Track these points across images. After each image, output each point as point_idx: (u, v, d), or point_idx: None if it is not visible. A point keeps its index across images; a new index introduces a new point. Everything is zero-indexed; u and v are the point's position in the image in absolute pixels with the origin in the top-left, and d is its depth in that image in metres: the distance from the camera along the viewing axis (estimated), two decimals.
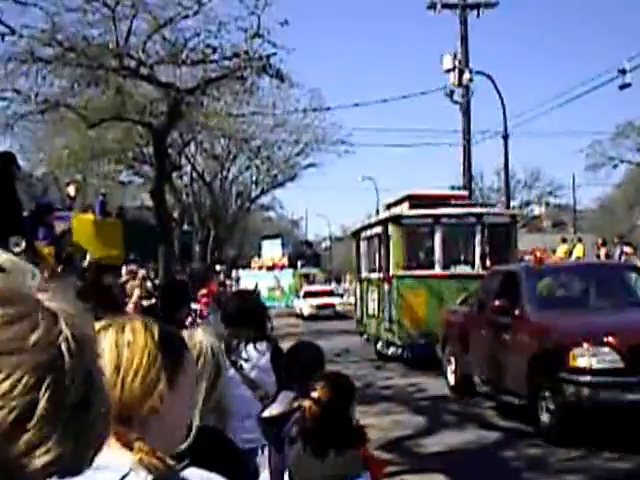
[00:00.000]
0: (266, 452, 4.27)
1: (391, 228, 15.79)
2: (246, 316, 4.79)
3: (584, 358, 8.64)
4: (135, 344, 1.57)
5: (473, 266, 15.67)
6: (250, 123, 35.05)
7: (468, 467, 8.14)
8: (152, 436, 1.53)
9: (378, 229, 16.94)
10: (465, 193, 20.88)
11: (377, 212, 32.54)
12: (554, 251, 27.10)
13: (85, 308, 1.02)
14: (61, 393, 0.91)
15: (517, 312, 10.21)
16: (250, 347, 4.64)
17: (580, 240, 28.94)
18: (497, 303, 10.54)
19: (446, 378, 12.83)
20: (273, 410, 4.17)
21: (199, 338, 2.57)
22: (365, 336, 18.96)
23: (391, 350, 16.02)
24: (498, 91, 23.92)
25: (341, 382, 3.70)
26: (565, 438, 8.80)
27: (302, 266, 46.30)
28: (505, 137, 23.94)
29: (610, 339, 8.67)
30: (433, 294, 15.10)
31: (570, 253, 24.58)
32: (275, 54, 21.13)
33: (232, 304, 5.18)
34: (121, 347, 1.56)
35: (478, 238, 15.63)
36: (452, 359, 12.58)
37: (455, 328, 12.63)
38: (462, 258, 16.11)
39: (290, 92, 31.89)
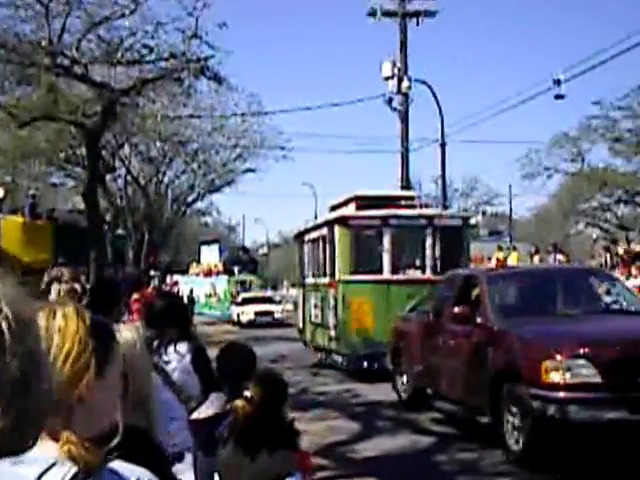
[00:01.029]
0: (189, 456, 4.18)
1: (337, 230, 14.64)
2: (168, 317, 4.65)
3: (557, 372, 7.63)
4: (66, 330, 1.53)
5: (424, 270, 14.62)
6: (187, 126, 33.90)
7: (402, 472, 7.92)
8: (77, 425, 1.50)
9: (323, 231, 15.73)
10: (414, 194, 19.92)
11: (315, 218, 31.62)
12: (490, 259, 26.88)
13: (27, 292, 1.04)
14: (0, 370, 0.96)
15: (479, 320, 9.18)
16: (171, 349, 4.49)
17: (515, 248, 28.85)
18: (457, 310, 9.49)
19: (397, 391, 11.75)
20: (203, 412, 4.18)
21: (126, 333, 2.44)
22: (308, 345, 17.75)
23: (336, 360, 14.88)
24: (436, 99, 24.23)
25: (274, 380, 3.66)
26: (536, 461, 7.81)
27: (239, 272, 44.93)
28: (442, 145, 24.04)
29: (586, 351, 7.68)
30: (381, 300, 14.02)
31: (505, 261, 24.31)
32: (213, 56, 20.11)
33: (154, 305, 4.96)
34: (52, 332, 1.52)
35: (429, 241, 14.61)
36: (404, 371, 11.49)
37: (407, 337, 11.54)
38: (412, 262, 15.03)
39: (229, 96, 30.88)
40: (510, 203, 42.44)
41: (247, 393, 3.51)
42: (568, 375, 7.58)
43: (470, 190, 50.09)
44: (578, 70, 22.24)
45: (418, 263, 14.79)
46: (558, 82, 23.50)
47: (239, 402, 3.50)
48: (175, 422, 4.20)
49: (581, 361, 7.62)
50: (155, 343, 4.43)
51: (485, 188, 54.81)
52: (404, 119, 26.02)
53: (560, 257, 25.87)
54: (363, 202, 15.16)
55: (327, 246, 15.31)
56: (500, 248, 26.34)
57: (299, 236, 18.55)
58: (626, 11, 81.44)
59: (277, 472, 3.39)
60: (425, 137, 34.38)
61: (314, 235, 16.73)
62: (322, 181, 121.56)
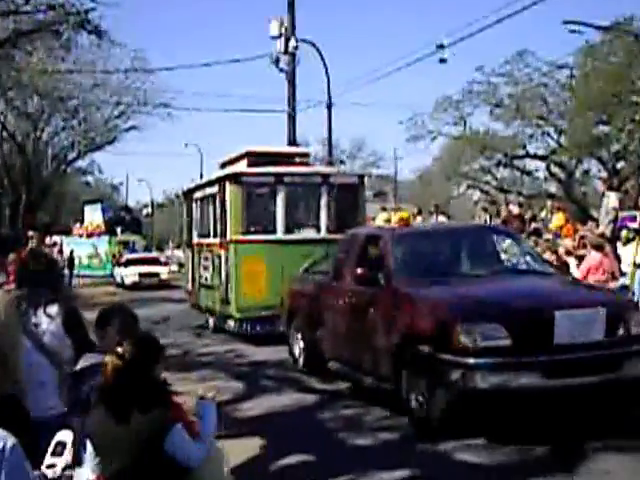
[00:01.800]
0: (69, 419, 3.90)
1: (229, 188, 13.66)
2: (39, 277, 4.44)
3: (467, 336, 7.06)
4: None
5: (319, 230, 13.85)
6: (67, 81, 31.96)
7: (286, 429, 7.82)
8: None
9: (213, 189, 14.66)
10: (309, 151, 19.10)
11: (201, 178, 30.49)
12: (374, 219, 26.66)
13: None
14: None
15: (383, 282, 8.53)
16: (40, 311, 4.28)
17: (399, 209, 28.78)
18: (359, 271, 8.81)
19: (293, 356, 11.04)
20: (77, 367, 4.01)
21: None
22: (198, 308, 16.80)
23: (228, 324, 14.02)
24: (323, 60, 24.02)
25: (148, 340, 3.59)
26: (444, 429, 7.27)
27: (122, 232, 43.21)
28: (329, 106, 23.60)
29: (497, 313, 7.14)
30: (275, 261, 13.20)
31: (389, 222, 24.06)
32: (94, 9, 18.68)
33: (24, 265, 4.69)
34: None
35: (324, 200, 13.85)
36: (300, 335, 10.78)
37: (304, 300, 10.80)
38: (307, 221, 14.25)
39: (112, 51, 29.20)
40: (395, 165, 42.46)
41: (119, 349, 3.46)
42: (478, 339, 7.03)
43: (357, 152, 49.84)
44: (460, 35, 22.29)
45: (313, 222, 14.02)
46: (442, 47, 23.66)
47: (109, 357, 3.44)
48: (47, 385, 4.13)
49: (492, 324, 7.08)
50: (24, 305, 4.22)
51: (371, 150, 54.89)
52: (291, 80, 25.19)
53: (442, 218, 25.90)
54: (255, 159, 14.21)
55: (218, 204, 14.33)
56: (384, 209, 26.08)
57: (187, 194, 17.41)
58: None
59: (153, 431, 3.30)
60: (313, 99, 33.89)
61: (204, 193, 15.65)
62: (209, 141, 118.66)
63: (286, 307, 11.44)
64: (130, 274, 32.84)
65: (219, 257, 14.26)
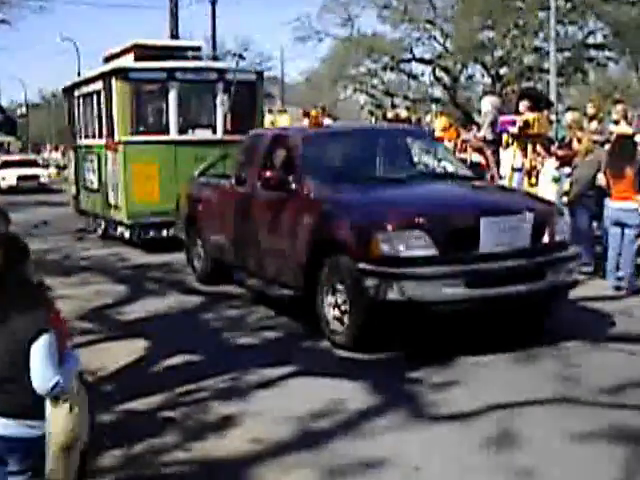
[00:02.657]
0: None
1: (115, 84, 12.25)
2: None
3: (389, 244, 6.42)
4: None
5: (215, 130, 12.74)
6: None
7: (170, 331, 7.58)
8: None
9: (98, 85, 13.19)
10: (202, 44, 17.65)
11: (79, 76, 28.34)
12: None
13: None
14: None
15: (294, 186, 7.72)
16: None
17: (285, 111, 27.85)
18: (268, 175, 7.95)
19: (192, 265, 10.17)
20: None
21: None
22: (81, 212, 15.52)
23: (119, 230, 12.90)
24: None
25: (13, 239, 3.48)
26: (362, 343, 6.70)
27: None
28: (213, 2, 22.08)
29: (421, 220, 6.50)
30: (168, 163, 12.09)
31: (273, 125, 23.21)
32: None
33: None
34: None
35: (220, 98, 12.70)
36: (200, 242, 9.89)
37: (203, 205, 9.85)
38: (201, 121, 13.09)
39: None
40: (282, 66, 41.06)
41: None
42: (401, 247, 6.40)
43: (243, 51, 47.74)
44: None
45: (208, 122, 12.88)
46: None
47: None
48: None
49: (416, 232, 6.44)
50: None
51: (258, 50, 52.97)
52: None
53: (328, 121, 25.21)
54: (143, 52, 12.81)
55: (103, 102, 12.94)
56: (270, 111, 25.13)
57: (68, 91, 15.77)
58: None
59: (29, 330, 3.17)
60: None
61: (87, 89, 14.09)
62: (86, 38, 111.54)
63: (183, 213, 10.48)
64: (7, 177, 30.59)
65: (106, 159, 13.00)
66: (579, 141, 10.29)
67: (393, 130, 10.21)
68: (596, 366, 6.16)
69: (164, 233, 12.13)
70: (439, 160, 8.69)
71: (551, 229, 6.99)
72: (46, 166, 34.21)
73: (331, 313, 6.93)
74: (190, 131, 12.61)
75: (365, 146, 8.47)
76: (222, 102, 12.64)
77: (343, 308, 6.78)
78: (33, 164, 33.06)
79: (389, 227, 6.46)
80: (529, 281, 6.67)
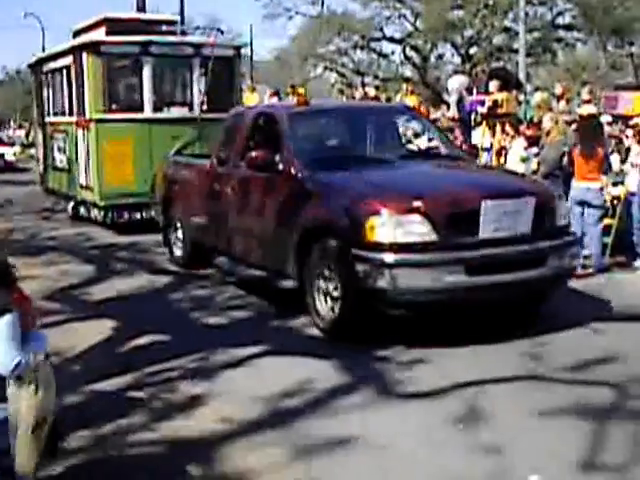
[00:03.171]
0: None
1: (87, 59, 11.59)
2: None
3: (386, 229, 6.01)
4: None
5: (191, 108, 12.16)
6: None
7: (138, 311, 7.40)
8: None
9: (68, 60, 12.50)
10: (177, 18, 16.95)
11: (43, 50, 27.32)
12: None
13: None
14: None
15: (282, 167, 7.25)
16: None
17: (254, 89, 27.23)
18: (254, 155, 7.46)
19: (169, 248, 9.67)
20: None
21: None
22: (53, 193, 14.85)
23: (93, 213, 12.29)
24: None
25: None
26: (353, 331, 6.29)
27: None
28: None
29: (419, 204, 6.08)
30: (142, 142, 11.50)
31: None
32: None
33: None
34: None
35: (197, 74, 12.12)
36: (179, 225, 9.38)
37: (182, 187, 9.34)
38: (178, 99, 12.48)
39: None
40: (251, 44, 40.15)
41: None
42: (399, 233, 6.00)
43: (211, 29, 46.70)
44: None
45: (184, 100, 12.29)
46: None
47: None
48: None
49: (415, 216, 6.04)
50: None
51: (227, 27, 51.81)
52: None
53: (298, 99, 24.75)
54: (115, 26, 12.13)
55: (73, 78, 12.27)
56: (240, 89, 24.52)
57: (36, 66, 15.02)
58: None
59: None
60: None
61: (56, 65, 13.38)
62: (51, 15, 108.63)
63: (160, 194, 9.95)
64: None
65: (76, 138, 12.36)
66: (556, 123, 9.99)
67: (380, 107, 9.75)
68: (561, 344, 6.15)
69: (139, 215, 11.58)
70: (431, 140, 8.27)
71: (552, 214, 6.64)
72: (11, 144, 33.06)
73: (322, 302, 6.51)
74: (165, 109, 12.02)
75: (354, 124, 8.01)
76: (198, 78, 12.06)
77: (334, 294, 6.38)
78: None
79: (386, 211, 6.05)
80: (530, 268, 6.33)
